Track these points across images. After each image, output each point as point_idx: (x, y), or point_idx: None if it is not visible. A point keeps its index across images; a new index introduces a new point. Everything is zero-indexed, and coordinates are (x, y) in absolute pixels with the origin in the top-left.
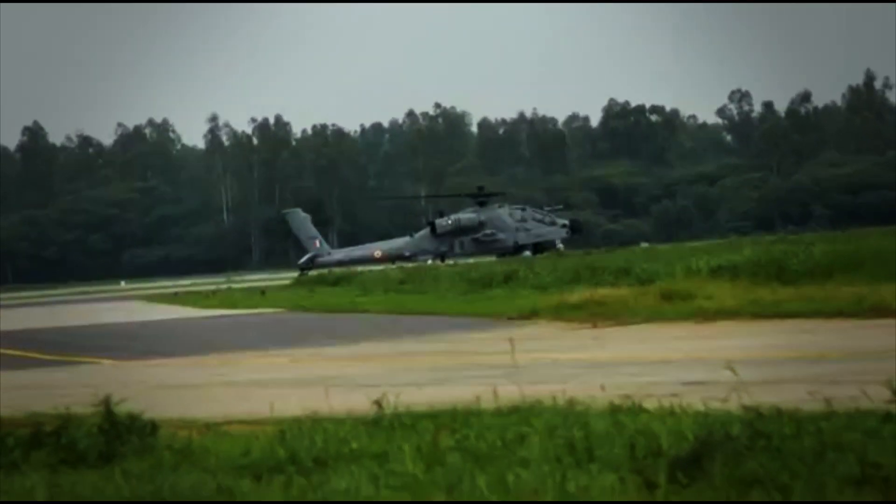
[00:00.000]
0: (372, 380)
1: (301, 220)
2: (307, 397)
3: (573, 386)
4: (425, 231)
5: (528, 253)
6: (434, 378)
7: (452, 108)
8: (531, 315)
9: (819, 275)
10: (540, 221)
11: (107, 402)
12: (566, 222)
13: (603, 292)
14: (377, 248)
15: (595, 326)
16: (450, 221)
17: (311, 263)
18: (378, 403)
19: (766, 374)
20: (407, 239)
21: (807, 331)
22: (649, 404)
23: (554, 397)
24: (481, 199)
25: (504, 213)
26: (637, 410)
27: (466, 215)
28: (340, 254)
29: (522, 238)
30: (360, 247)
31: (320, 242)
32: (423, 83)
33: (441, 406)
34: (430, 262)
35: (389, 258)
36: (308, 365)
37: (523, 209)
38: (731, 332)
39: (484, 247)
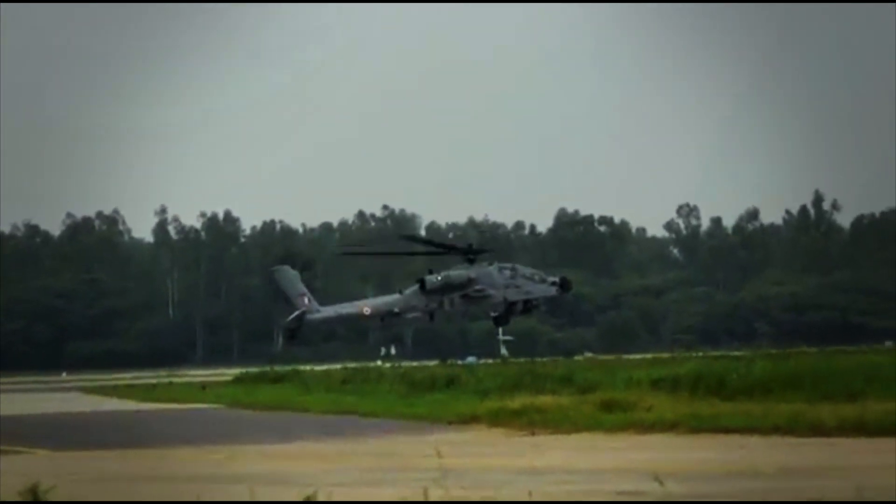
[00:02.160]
0: (306, 478)
1: (290, 277)
2: (240, 493)
3: (504, 492)
4: (415, 288)
5: (472, 359)
6: (366, 479)
7: (402, 210)
8: (470, 420)
9: (758, 391)
10: (529, 279)
11: (34, 491)
12: (555, 280)
13: (544, 400)
14: (366, 305)
15: (533, 434)
16: (439, 278)
17: (300, 322)
18: (310, 501)
19: (697, 488)
20: (396, 296)
21: (742, 446)
22: None
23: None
24: (471, 255)
25: (494, 271)
26: None
27: (456, 272)
28: (329, 311)
29: (512, 295)
30: (348, 304)
31: (309, 300)
32: (374, 184)
33: None
34: (420, 318)
35: (378, 315)
36: (245, 461)
37: (512, 267)
38: (667, 444)
39: (474, 304)
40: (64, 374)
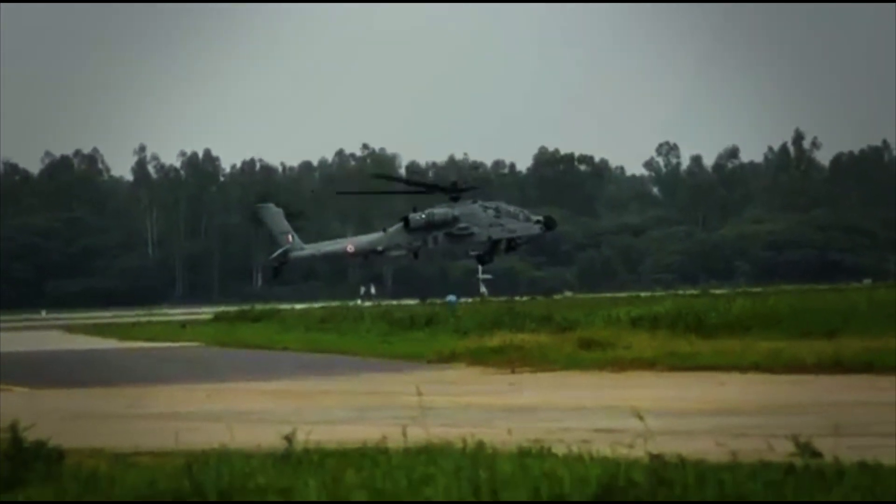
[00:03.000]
0: (285, 416)
1: (273, 214)
2: (219, 431)
3: (484, 430)
4: (398, 226)
5: (451, 298)
6: (346, 417)
7: (382, 149)
8: (450, 358)
9: (737, 329)
10: (513, 217)
11: (13, 429)
12: (540, 218)
13: (523, 338)
14: (350, 243)
15: (513, 372)
16: (423, 216)
17: (284, 258)
18: (288, 439)
19: (677, 425)
20: (380, 234)
21: (721, 383)
22: (558, 449)
23: (464, 440)
24: (455, 194)
25: (478, 209)
26: (544, 455)
27: (440, 210)
28: (313, 248)
29: (497, 233)
30: (332, 241)
31: (293, 237)
32: (354, 123)
33: (351, 444)
34: (404, 256)
35: (362, 253)
36: (223, 399)
37: (496, 206)
38: (645, 381)
39: (458, 242)
40: (43, 313)
